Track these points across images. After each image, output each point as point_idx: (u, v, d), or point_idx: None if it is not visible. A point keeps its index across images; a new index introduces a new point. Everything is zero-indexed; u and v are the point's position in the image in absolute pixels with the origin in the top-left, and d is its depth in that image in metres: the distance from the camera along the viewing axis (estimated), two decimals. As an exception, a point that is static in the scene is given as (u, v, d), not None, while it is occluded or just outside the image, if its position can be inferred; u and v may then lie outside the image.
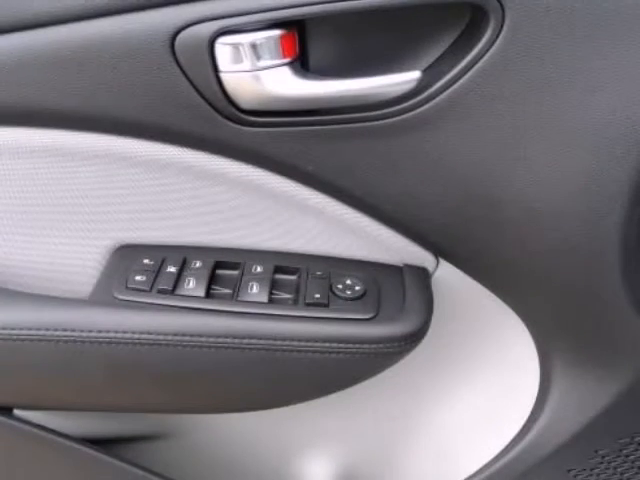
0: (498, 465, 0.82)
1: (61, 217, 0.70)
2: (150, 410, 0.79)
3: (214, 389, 0.71)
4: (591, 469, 0.81)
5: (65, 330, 0.63)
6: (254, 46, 0.57)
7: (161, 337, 0.63)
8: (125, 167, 0.66)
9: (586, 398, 0.75)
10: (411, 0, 0.54)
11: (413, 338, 0.66)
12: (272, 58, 0.58)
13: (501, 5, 0.53)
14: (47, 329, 0.63)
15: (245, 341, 0.64)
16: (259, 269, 0.69)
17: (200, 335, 0.63)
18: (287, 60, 0.58)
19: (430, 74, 0.58)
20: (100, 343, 0.63)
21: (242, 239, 0.72)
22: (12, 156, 0.66)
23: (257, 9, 0.55)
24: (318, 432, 0.96)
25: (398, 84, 0.58)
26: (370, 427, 0.95)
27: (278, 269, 0.70)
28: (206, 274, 0.68)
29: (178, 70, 0.58)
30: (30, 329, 0.63)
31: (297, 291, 0.69)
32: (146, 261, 0.69)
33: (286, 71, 0.58)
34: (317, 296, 0.67)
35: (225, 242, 0.72)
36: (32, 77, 0.60)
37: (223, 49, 0.57)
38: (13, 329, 0.63)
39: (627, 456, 0.80)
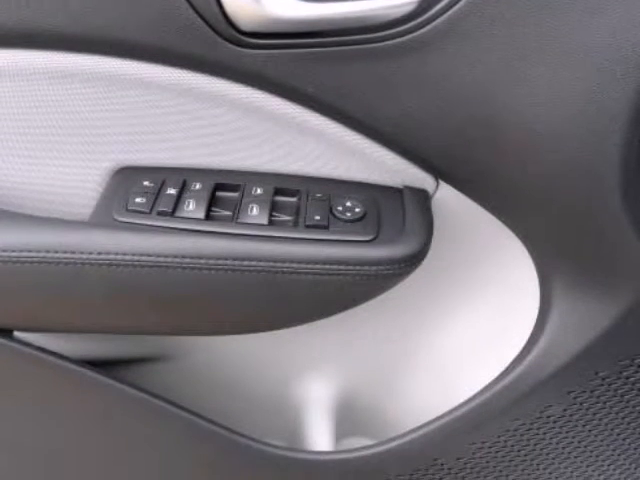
0: (498, 387, 0.84)
1: (61, 139, 0.72)
2: (149, 332, 0.80)
3: (213, 311, 0.74)
4: (591, 391, 0.84)
5: (65, 252, 0.66)
6: (254, -33, 0.59)
7: (161, 259, 0.66)
8: (125, 89, 0.68)
9: (586, 320, 0.77)
10: None
11: (413, 260, 0.69)
12: (272, -20, 0.60)
13: None
14: (47, 251, 0.66)
15: (245, 263, 0.66)
16: (259, 191, 0.71)
17: (200, 257, 0.66)
18: None
19: None
20: (100, 265, 0.66)
21: (242, 161, 0.74)
22: (12, 78, 0.67)
23: None
24: (318, 354, 0.98)
25: (398, 6, 0.60)
26: (370, 349, 0.98)
27: (278, 191, 0.72)
28: (206, 196, 0.70)
29: None
30: (30, 251, 0.66)
31: (297, 213, 0.71)
32: (146, 183, 0.71)
33: (286, -8, 0.61)
34: (317, 218, 0.69)
35: (225, 164, 0.74)
36: None
37: None
38: (13, 251, 0.66)
39: (627, 378, 0.82)
